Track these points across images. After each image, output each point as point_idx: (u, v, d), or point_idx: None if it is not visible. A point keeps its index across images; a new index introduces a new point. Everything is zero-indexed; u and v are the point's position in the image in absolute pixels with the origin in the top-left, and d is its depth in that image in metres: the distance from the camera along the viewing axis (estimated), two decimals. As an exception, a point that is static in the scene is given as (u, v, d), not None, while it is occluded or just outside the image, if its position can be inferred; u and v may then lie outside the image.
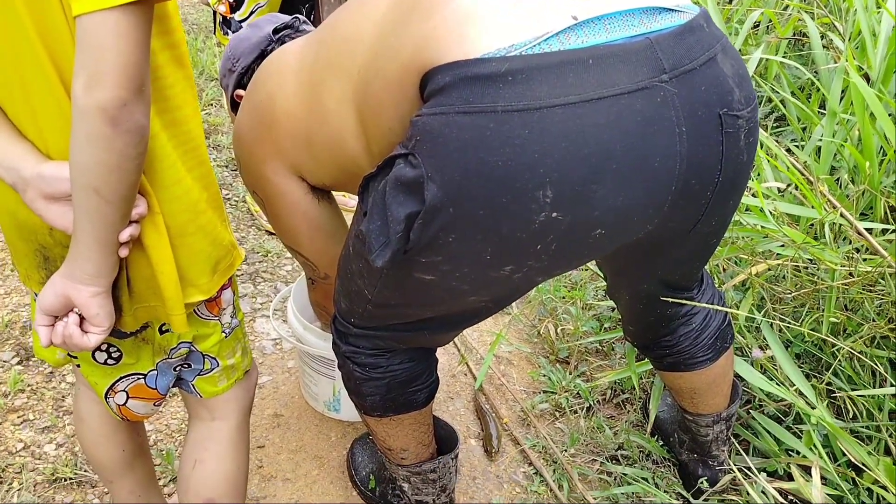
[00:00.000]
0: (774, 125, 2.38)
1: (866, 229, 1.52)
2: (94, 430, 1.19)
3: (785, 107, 2.23)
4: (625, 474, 1.59)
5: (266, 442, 1.69)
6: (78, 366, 1.06)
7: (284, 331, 1.78)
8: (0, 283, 2.09)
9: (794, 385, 1.47)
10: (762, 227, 1.55)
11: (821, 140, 1.87)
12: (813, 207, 1.58)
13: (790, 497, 1.38)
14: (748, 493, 1.34)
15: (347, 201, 2.40)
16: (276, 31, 1.37)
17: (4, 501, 1.48)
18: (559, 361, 1.94)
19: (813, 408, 1.43)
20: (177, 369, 1.08)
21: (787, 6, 2.61)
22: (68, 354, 1.05)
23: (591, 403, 1.78)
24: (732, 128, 0.93)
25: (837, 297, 1.53)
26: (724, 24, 2.58)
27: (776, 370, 1.54)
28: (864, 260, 1.50)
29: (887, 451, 1.40)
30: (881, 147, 1.76)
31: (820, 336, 1.47)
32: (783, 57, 2.36)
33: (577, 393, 1.81)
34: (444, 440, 1.44)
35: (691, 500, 1.52)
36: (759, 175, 1.80)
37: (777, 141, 2.12)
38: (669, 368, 1.41)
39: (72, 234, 0.83)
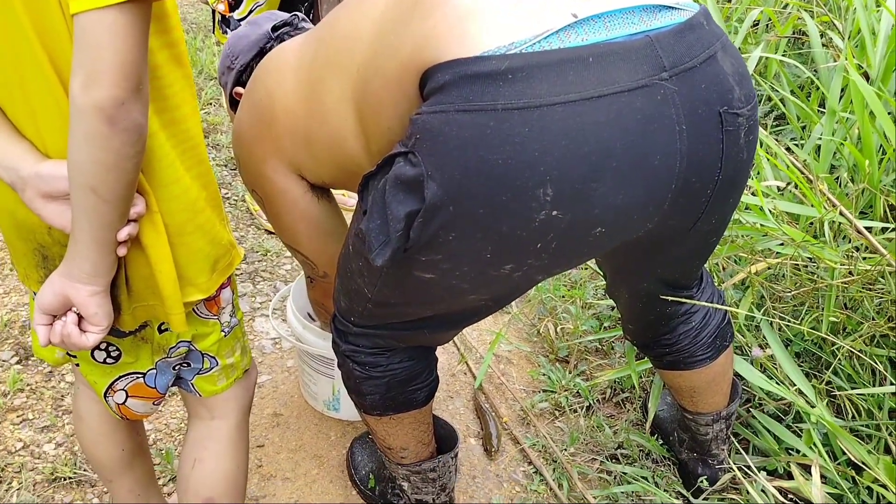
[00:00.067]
0: (774, 124, 2.38)
1: (866, 228, 1.52)
2: (93, 429, 1.19)
3: (784, 105, 2.23)
4: (624, 473, 1.59)
5: (265, 441, 1.69)
6: (77, 365, 1.06)
7: (284, 330, 1.78)
8: (-1, 283, 2.09)
9: (794, 384, 1.47)
10: (762, 225, 1.55)
11: (820, 138, 1.87)
12: (812, 206, 1.58)
13: (790, 496, 1.38)
14: (748, 492, 1.34)
15: (347, 200, 2.40)
16: (274, 28, 1.36)
17: (4, 501, 1.48)
18: (559, 360, 1.94)
19: (813, 406, 1.43)
20: (176, 368, 1.08)
21: (786, 4, 2.61)
22: (67, 353, 1.05)
23: (591, 402, 1.78)
24: (732, 126, 0.93)
25: (837, 295, 1.53)
26: (723, 23, 2.58)
27: (776, 369, 1.54)
28: (864, 258, 1.50)
29: (887, 450, 1.40)
30: (881, 145, 1.76)
31: (819, 335, 1.47)
32: (783, 55, 2.36)
33: (577, 392, 1.81)
34: (444, 439, 1.44)
35: (691, 498, 1.51)
36: (758, 173, 1.80)
37: (777, 139, 2.12)
38: (669, 367, 1.41)
39: (70, 233, 0.83)
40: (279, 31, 1.36)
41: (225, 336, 1.09)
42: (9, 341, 1.88)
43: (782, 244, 1.58)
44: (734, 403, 1.46)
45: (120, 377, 1.05)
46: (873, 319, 1.48)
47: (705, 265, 1.30)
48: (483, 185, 0.84)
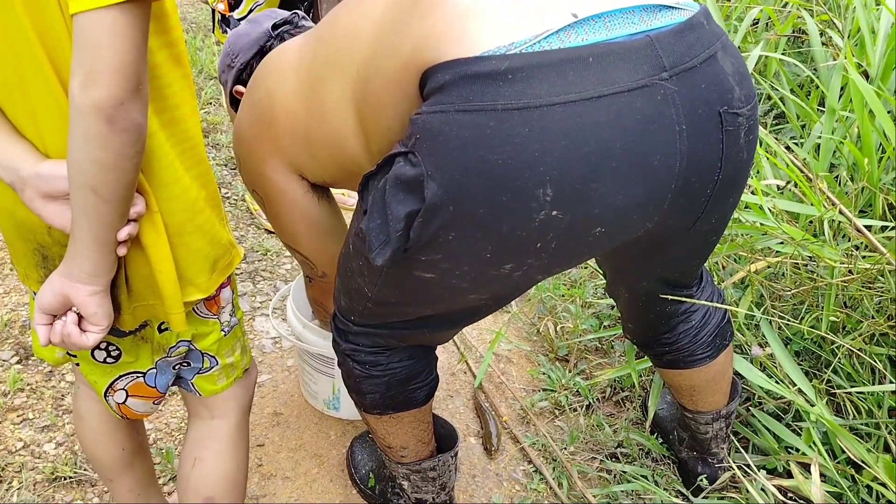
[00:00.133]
0: (774, 122, 2.38)
1: (865, 226, 1.52)
2: (93, 428, 1.19)
3: (784, 104, 2.23)
4: (624, 472, 1.59)
5: (266, 440, 1.69)
6: (77, 364, 1.06)
7: (284, 329, 1.77)
8: (-1, 282, 2.09)
9: (794, 382, 1.47)
10: (761, 224, 1.55)
11: (820, 137, 1.87)
12: (812, 205, 1.58)
13: (790, 494, 1.38)
14: (747, 491, 1.34)
15: (347, 200, 2.39)
16: (275, 26, 1.36)
17: (4, 500, 1.48)
18: (559, 359, 1.94)
19: (812, 405, 1.43)
20: (176, 368, 1.08)
21: (786, 3, 2.61)
22: (67, 353, 1.05)
23: (591, 401, 1.78)
24: (732, 126, 0.93)
25: (837, 294, 1.53)
26: (723, 21, 2.58)
27: (775, 368, 1.54)
28: (864, 257, 1.50)
29: (886, 449, 1.41)
30: (880, 144, 1.76)
31: (819, 333, 1.47)
32: (782, 54, 2.35)
33: (577, 391, 1.81)
34: (444, 438, 1.44)
35: (691, 497, 1.52)
36: (758, 172, 1.80)
37: (776, 138, 2.12)
38: (669, 366, 1.41)
39: (70, 233, 0.83)
40: (279, 30, 1.36)
41: (225, 335, 1.09)
42: (9, 341, 1.88)
43: (782, 243, 1.58)
44: (734, 402, 1.46)
45: (120, 377, 1.05)
46: (873, 318, 1.48)
47: (705, 264, 1.30)
48: (483, 185, 0.84)
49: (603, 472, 1.61)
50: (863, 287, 1.50)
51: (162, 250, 0.90)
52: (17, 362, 1.82)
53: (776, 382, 1.50)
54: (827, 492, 1.33)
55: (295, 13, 1.40)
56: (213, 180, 1.00)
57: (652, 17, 0.89)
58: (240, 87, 1.38)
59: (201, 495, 1.14)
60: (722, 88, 0.91)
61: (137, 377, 1.06)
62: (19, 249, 0.95)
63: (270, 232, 2.39)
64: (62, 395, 1.74)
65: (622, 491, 1.55)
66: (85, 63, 0.72)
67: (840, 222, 1.56)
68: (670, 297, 1.26)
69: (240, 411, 1.17)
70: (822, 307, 1.54)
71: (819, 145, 1.87)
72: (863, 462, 1.32)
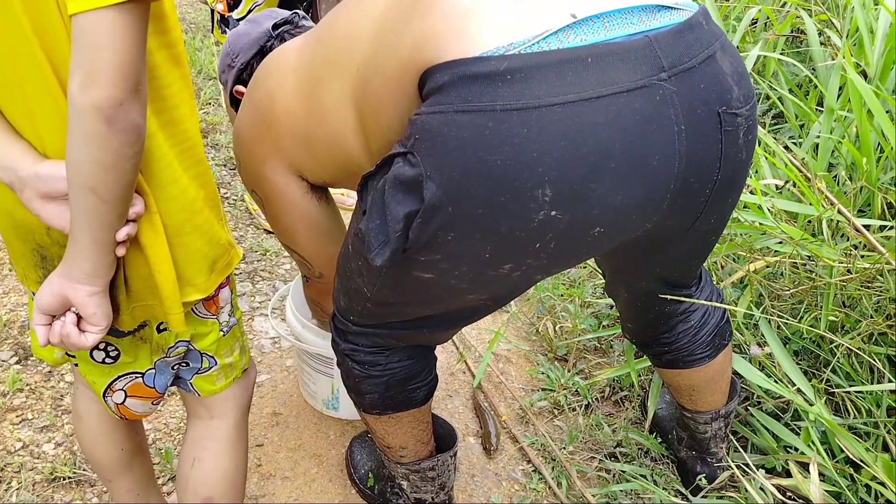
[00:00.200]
0: (772, 122, 2.38)
1: (864, 226, 1.52)
2: (92, 428, 1.19)
3: (783, 104, 2.23)
4: (623, 471, 1.59)
5: (265, 440, 1.69)
6: (76, 365, 1.06)
7: (283, 329, 1.78)
8: (-3, 282, 2.08)
9: (793, 382, 1.47)
10: (760, 224, 1.56)
11: (818, 137, 1.87)
12: (811, 204, 1.58)
13: (788, 494, 1.39)
14: (746, 490, 1.34)
15: (346, 200, 2.39)
16: (275, 26, 1.36)
17: (4, 501, 1.48)
18: (558, 359, 1.94)
19: (811, 404, 1.43)
20: (175, 368, 1.08)
21: (784, 3, 2.61)
22: (66, 353, 1.05)
23: (590, 401, 1.78)
24: (731, 126, 0.93)
25: (835, 293, 1.53)
26: (721, 21, 2.58)
27: (774, 367, 1.55)
28: (862, 256, 1.51)
29: (885, 448, 1.41)
30: (878, 144, 1.77)
31: (818, 333, 1.47)
32: (781, 54, 2.36)
33: (576, 390, 1.81)
34: (443, 438, 1.44)
35: (690, 497, 1.52)
36: (757, 172, 1.80)
37: (775, 138, 2.12)
38: (668, 366, 1.41)
39: (69, 234, 0.83)
40: (280, 30, 1.36)
41: (224, 335, 1.09)
42: (8, 341, 1.88)
43: (781, 242, 1.59)
44: (733, 402, 1.47)
45: (119, 377, 1.05)
46: (872, 317, 1.49)
47: (704, 264, 1.30)
48: (482, 186, 0.84)
49: (602, 471, 1.61)
50: (861, 286, 1.50)
51: (161, 251, 0.90)
52: (17, 362, 1.82)
53: (775, 382, 1.50)
54: (826, 491, 1.33)
55: (295, 13, 1.40)
56: (212, 180, 1.00)
57: (651, 17, 0.89)
58: (240, 87, 1.38)
59: (200, 495, 1.14)
60: (721, 88, 0.92)
61: (136, 377, 1.06)
62: (18, 250, 0.94)
63: (269, 232, 2.39)
64: (61, 396, 1.74)
65: (621, 490, 1.55)
66: (84, 63, 0.72)
67: (839, 222, 1.57)
68: (669, 296, 1.26)
69: (239, 411, 1.17)
70: (821, 306, 1.54)
71: (818, 145, 1.87)
72: (862, 461, 1.32)
